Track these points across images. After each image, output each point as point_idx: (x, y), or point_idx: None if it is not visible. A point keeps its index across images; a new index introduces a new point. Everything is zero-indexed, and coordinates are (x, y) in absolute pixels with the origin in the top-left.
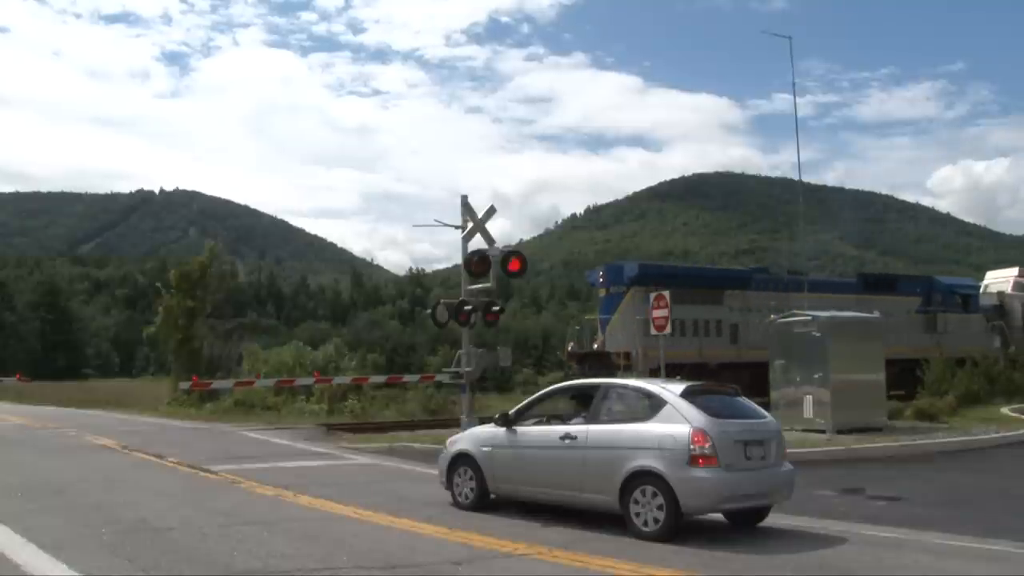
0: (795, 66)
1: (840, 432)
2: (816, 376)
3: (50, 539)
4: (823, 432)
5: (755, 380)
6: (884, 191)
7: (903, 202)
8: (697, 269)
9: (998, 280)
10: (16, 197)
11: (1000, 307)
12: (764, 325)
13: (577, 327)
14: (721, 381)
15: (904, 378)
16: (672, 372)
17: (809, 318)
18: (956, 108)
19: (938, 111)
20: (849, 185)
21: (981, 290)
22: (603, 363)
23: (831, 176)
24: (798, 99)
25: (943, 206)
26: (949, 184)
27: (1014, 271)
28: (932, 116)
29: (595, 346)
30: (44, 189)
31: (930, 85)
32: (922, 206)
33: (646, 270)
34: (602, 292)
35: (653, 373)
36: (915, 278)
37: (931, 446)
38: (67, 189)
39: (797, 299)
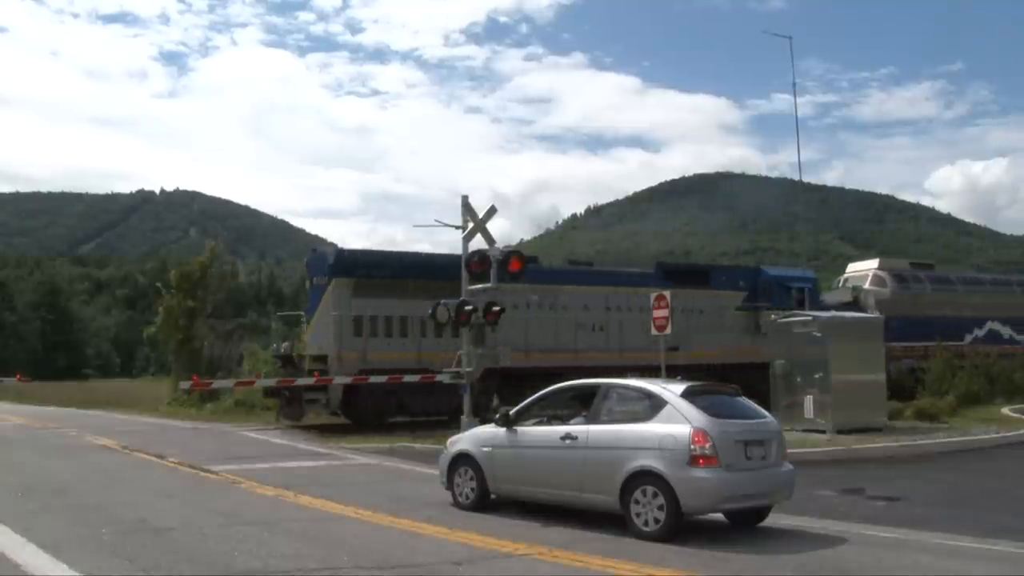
0: (794, 66)
1: (840, 432)
2: (816, 376)
3: (50, 539)
4: (823, 432)
5: (505, 384)
6: (884, 191)
7: (903, 202)
8: (416, 256)
9: (856, 273)
10: (16, 197)
11: (854, 304)
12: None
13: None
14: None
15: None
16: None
17: (810, 318)
18: (955, 108)
19: (938, 111)
20: (849, 185)
21: (839, 284)
22: (292, 368)
23: (831, 176)
24: (797, 99)
25: (942, 206)
26: (948, 184)
27: (874, 263)
28: (932, 116)
29: (286, 348)
30: (44, 189)
31: (930, 85)
32: (922, 206)
33: (346, 258)
34: (308, 284)
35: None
36: (736, 269)
37: (931, 446)
38: (67, 189)
39: (572, 293)
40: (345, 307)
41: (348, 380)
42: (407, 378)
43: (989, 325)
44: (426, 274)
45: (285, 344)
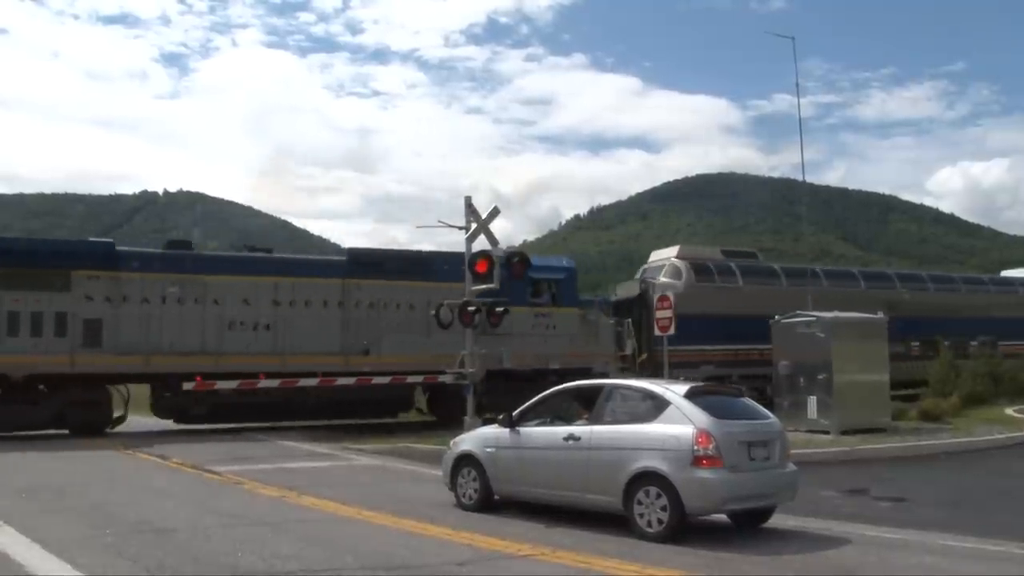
0: (797, 66)
1: (844, 433)
2: (820, 377)
3: (54, 539)
4: (827, 433)
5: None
6: (886, 191)
7: (906, 202)
8: (29, 241)
9: (653, 264)
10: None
11: (640, 299)
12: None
13: None
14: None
15: (442, 403)
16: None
17: (813, 318)
18: (957, 108)
19: (939, 111)
20: (850, 186)
21: (637, 275)
22: None
23: (832, 176)
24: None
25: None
26: (948, 185)
27: (674, 250)
28: (933, 116)
29: None
30: (47, 191)
31: (931, 85)
32: (925, 207)
33: None
34: None
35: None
36: (459, 256)
37: (935, 447)
38: (70, 191)
39: (227, 284)
40: None
41: (351, 381)
42: (411, 379)
43: None
44: (38, 261)
45: None
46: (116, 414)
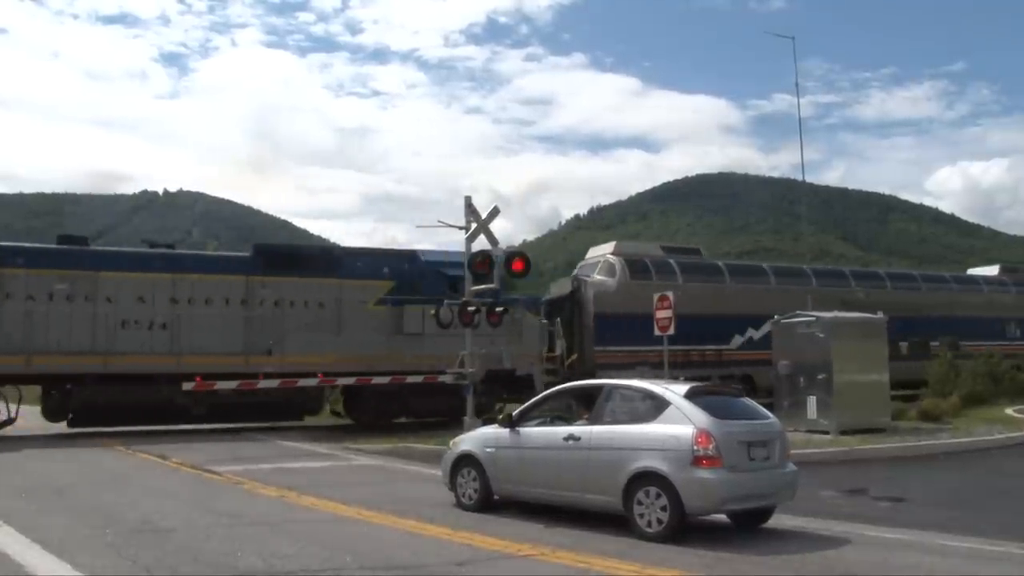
0: (797, 66)
1: (844, 433)
2: (819, 377)
3: (54, 539)
4: (827, 433)
5: None
6: (886, 191)
7: (906, 202)
8: None
9: (588, 260)
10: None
11: (571, 297)
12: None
13: None
14: None
15: (366, 405)
16: None
17: (813, 318)
18: (957, 108)
19: (939, 111)
20: (850, 185)
21: (575, 272)
22: None
23: (832, 176)
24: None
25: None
26: (948, 184)
27: (609, 247)
28: (933, 116)
29: None
30: (47, 191)
31: (931, 85)
32: (925, 207)
33: None
34: None
35: None
36: (382, 254)
37: (935, 447)
38: (70, 190)
39: (119, 280)
40: None
41: (352, 381)
42: (410, 379)
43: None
44: None
45: None
46: (1, 417)
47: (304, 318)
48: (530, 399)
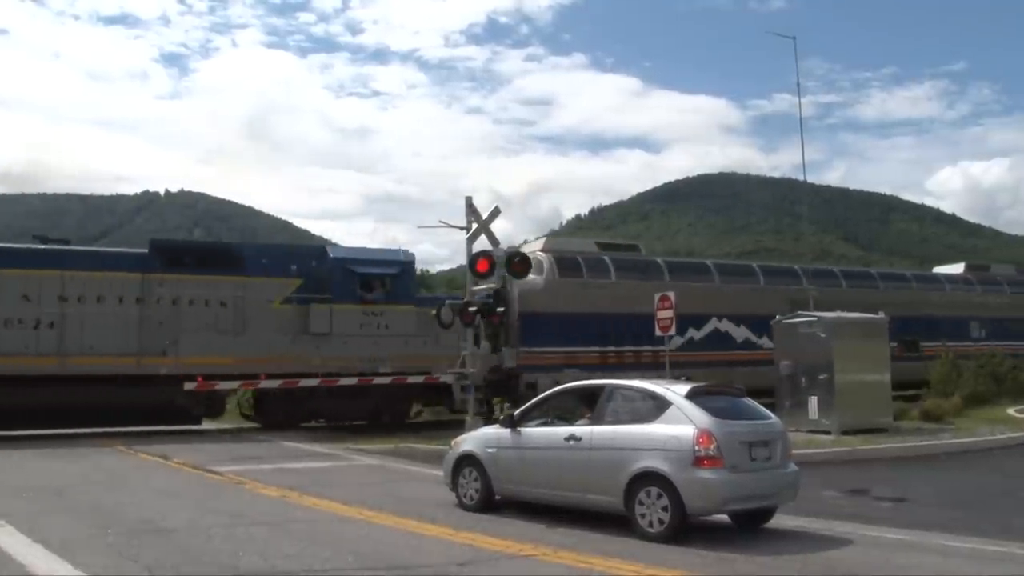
0: (798, 66)
1: (845, 433)
2: (821, 377)
3: (56, 539)
4: (828, 433)
5: None
6: (887, 191)
7: (907, 202)
8: None
9: None
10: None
11: (497, 295)
12: None
13: None
14: None
15: (275, 408)
16: None
17: (814, 318)
18: (958, 108)
19: (940, 111)
20: (851, 185)
21: None
22: None
23: (832, 176)
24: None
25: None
26: (949, 184)
27: (539, 243)
28: (934, 116)
29: None
30: (48, 191)
31: (931, 85)
32: (927, 206)
33: None
34: None
35: None
36: (288, 249)
37: (937, 447)
38: (71, 191)
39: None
40: None
41: (353, 381)
42: (411, 379)
43: (715, 324)
44: None
45: None
46: None
47: (204, 318)
48: (448, 404)
